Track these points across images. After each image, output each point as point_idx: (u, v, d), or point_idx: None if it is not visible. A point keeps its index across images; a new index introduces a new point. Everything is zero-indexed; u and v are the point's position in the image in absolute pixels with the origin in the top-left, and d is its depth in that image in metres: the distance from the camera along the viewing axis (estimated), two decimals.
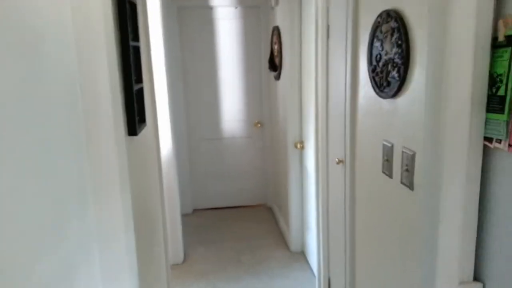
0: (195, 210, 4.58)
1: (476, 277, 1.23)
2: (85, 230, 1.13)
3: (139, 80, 1.64)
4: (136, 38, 1.63)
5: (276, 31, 3.70)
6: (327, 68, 2.27)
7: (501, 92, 1.07)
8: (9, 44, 0.77)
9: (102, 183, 1.18)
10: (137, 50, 1.63)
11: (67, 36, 1.09)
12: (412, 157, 1.33)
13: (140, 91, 1.65)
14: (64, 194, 0.99)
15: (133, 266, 1.33)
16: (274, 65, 3.86)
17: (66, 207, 1.00)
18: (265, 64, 4.29)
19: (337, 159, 2.12)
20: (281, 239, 3.82)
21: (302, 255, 3.51)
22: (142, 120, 1.68)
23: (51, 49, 0.97)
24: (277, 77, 3.81)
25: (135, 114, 1.50)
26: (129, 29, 1.46)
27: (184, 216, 4.32)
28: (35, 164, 0.84)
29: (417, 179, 1.31)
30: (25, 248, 0.76)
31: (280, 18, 3.58)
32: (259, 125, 4.47)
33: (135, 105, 1.51)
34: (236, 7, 4.23)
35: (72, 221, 1.03)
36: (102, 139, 1.16)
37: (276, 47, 3.75)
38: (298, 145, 3.36)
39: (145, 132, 1.85)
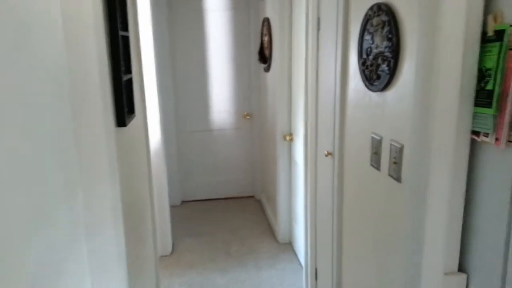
0: (183, 202, 4.57)
1: (461, 268, 1.26)
2: (73, 219, 1.12)
3: (128, 70, 1.63)
4: (125, 27, 1.61)
5: (266, 22, 3.69)
6: (317, 60, 2.27)
7: (489, 86, 1.08)
8: None
9: (91, 174, 1.17)
10: (126, 40, 1.61)
11: (55, 25, 1.07)
12: (400, 150, 1.34)
13: (129, 81, 1.64)
14: (51, 183, 0.98)
15: (121, 256, 1.33)
16: (264, 57, 3.85)
17: (54, 196, 0.99)
18: (255, 55, 4.27)
19: (326, 152, 2.14)
20: (269, 230, 3.84)
21: (289, 246, 3.54)
22: (131, 111, 1.66)
23: (38, 38, 0.95)
24: (267, 69, 3.81)
25: (124, 105, 1.49)
26: (118, 18, 1.44)
27: (172, 207, 4.31)
28: (21, 153, 0.83)
29: (404, 171, 1.33)
30: (11, 236, 0.76)
31: (270, 10, 3.56)
32: (248, 117, 4.47)
33: (124, 96, 1.49)
34: None
35: (60, 210, 1.02)
36: (91, 130, 1.15)
37: (266, 38, 3.74)
38: (287, 137, 3.37)
39: (134, 123, 1.83)
